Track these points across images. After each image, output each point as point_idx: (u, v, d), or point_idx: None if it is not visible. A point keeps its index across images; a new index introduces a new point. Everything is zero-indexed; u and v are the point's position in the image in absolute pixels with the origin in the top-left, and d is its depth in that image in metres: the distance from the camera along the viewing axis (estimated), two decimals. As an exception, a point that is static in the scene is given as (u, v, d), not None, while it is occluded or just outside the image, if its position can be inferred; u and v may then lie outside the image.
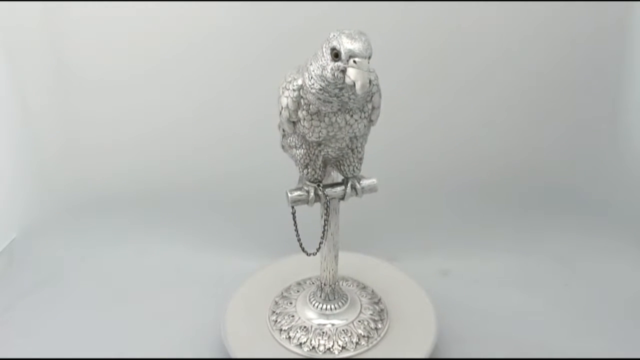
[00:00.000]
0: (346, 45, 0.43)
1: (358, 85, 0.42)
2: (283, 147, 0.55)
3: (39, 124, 0.85)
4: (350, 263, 0.66)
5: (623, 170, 0.85)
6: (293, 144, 0.52)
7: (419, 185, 0.85)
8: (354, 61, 0.43)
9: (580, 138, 0.88)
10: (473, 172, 0.87)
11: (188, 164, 0.87)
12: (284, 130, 0.52)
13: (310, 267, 0.64)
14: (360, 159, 0.54)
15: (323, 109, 0.47)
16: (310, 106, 0.47)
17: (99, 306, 0.67)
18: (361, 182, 0.54)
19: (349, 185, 0.54)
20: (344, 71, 0.43)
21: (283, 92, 0.48)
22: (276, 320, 0.60)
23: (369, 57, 0.44)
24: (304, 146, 0.51)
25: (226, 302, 0.63)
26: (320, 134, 0.49)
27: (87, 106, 0.85)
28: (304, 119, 0.48)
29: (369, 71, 0.43)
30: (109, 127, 0.86)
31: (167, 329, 0.63)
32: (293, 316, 0.60)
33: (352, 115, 0.48)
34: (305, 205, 0.53)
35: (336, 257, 0.58)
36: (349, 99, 0.46)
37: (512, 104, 0.87)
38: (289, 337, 0.57)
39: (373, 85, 0.48)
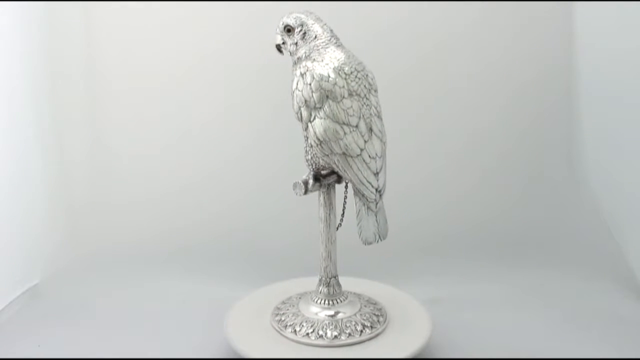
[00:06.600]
0: None
1: None
2: None
3: (72, 178, 0.94)
4: (351, 285, 0.69)
5: (581, 213, 0.94)
6: None
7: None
8: None
9: (542, 186, 0.98)
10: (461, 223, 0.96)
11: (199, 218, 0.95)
12: None
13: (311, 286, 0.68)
14: (306, 150, 0.59)
15: None
16: None
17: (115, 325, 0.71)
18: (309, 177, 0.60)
19: None
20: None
21: None
22: (279, 317, 0.63)
23: (283, 28, 0.59)
24: None
25: (230, 309, 0.67)
26: None
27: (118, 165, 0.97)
28: None
29: (277, 38, 0.60)
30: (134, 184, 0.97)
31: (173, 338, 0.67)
32: (296, 314, 0.63)
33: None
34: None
35: (334, 249, 0.63)
36: None
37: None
38: (294, 331, 0.61)
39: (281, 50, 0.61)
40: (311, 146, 0.58)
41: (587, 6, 0.91)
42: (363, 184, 0.57)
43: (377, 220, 0.58)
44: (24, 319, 0.72)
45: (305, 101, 0.56)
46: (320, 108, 0.56)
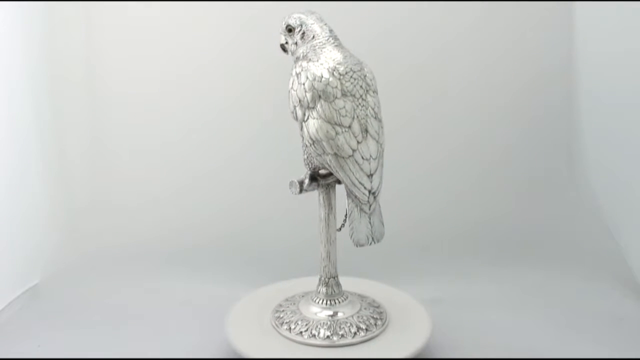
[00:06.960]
0: None
1: None
2: None
3: (72, 178, 0.95)
4: (351, 285, 0.69)
5: (581, 213, 0.94)
6: None
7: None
8: None
9: (542, 185, 0.98)
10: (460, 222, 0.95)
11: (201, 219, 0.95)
12: None
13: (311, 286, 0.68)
14: (302, 150, 0.59)
15: None
16: None
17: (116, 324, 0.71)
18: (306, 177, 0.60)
19: None
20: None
21: None
22: (278, 314, 0.63)
23: (285, 28, 0.60)
24: None
25: (230, 309, 0.67)
26: None
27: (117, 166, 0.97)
28: None
29: (281, 38, 0.60)
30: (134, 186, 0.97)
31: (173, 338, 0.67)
32: (294, 311, 0.63)
33: None
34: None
35: (333, 249, 0.63)
36: None
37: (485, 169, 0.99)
38: (288, 328, 0.61)
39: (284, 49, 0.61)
40: (306, 146, 0.58)
41: (587, 6, 0.91)
42: (355, 185, 0.56)
43: (370, 222, 0.57)
44: (24, 319, 0.72)
45: (300, 100, 0.56)
46: (313, 108, 0.56)
